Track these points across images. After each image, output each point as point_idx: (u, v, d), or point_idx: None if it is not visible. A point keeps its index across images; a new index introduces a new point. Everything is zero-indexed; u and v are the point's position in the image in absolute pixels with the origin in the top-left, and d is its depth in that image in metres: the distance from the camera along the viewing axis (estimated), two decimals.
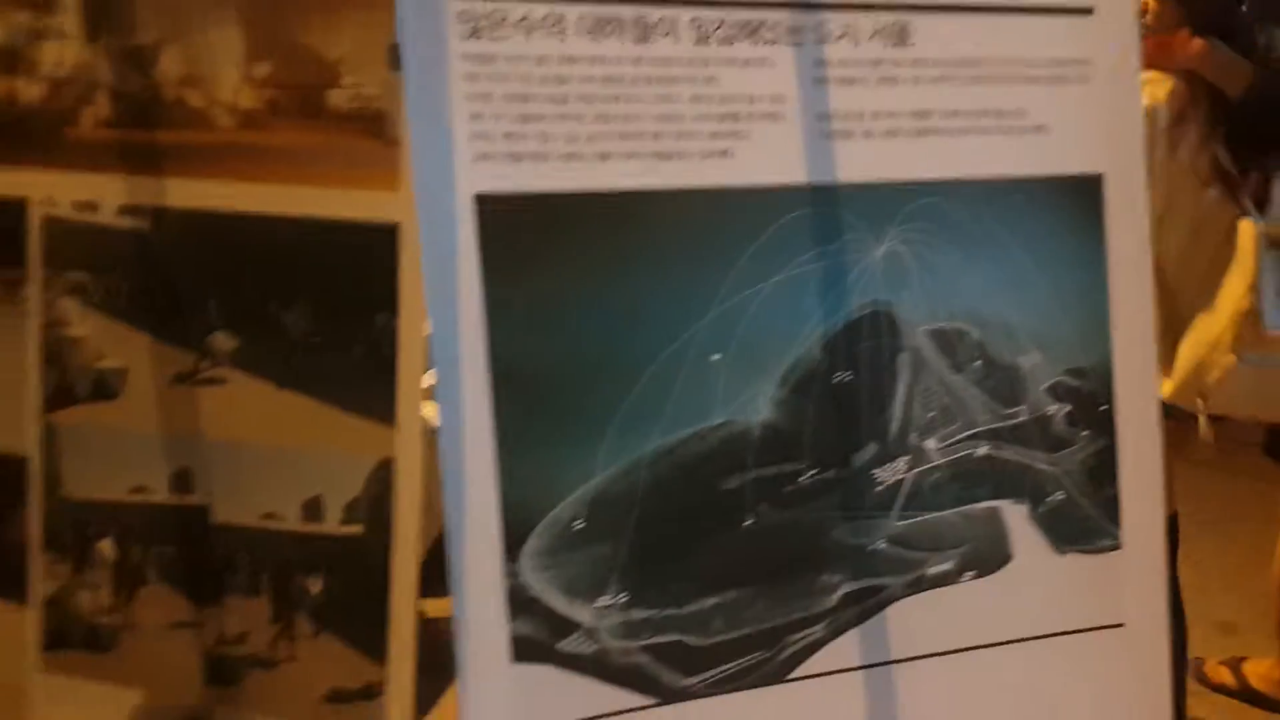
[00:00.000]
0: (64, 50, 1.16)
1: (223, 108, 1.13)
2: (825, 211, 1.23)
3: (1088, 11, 1.32)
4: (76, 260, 1.18)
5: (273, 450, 1.15)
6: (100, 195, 1.17)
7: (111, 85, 1.15)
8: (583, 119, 1.11)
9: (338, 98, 1.10)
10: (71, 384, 1.20)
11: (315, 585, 1.14)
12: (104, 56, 1.15)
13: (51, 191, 1.18)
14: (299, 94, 1.11)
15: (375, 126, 1.09)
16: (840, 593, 1.21)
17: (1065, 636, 1.27)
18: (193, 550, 1.17)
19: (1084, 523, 1.31)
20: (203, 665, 1.15)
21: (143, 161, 1.14)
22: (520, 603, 1.08)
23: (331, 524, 1.13)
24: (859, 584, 1.22)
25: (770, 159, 1.20)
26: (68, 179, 1.18)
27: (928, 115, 1.28)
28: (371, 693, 1.12)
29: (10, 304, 1.21)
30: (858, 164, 1.24)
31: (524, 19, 1.07)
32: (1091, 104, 1.30)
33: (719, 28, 1.18)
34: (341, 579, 1.13)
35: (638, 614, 1.13)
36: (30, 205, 1.19)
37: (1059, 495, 1.29)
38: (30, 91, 1.18)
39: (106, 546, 1.20)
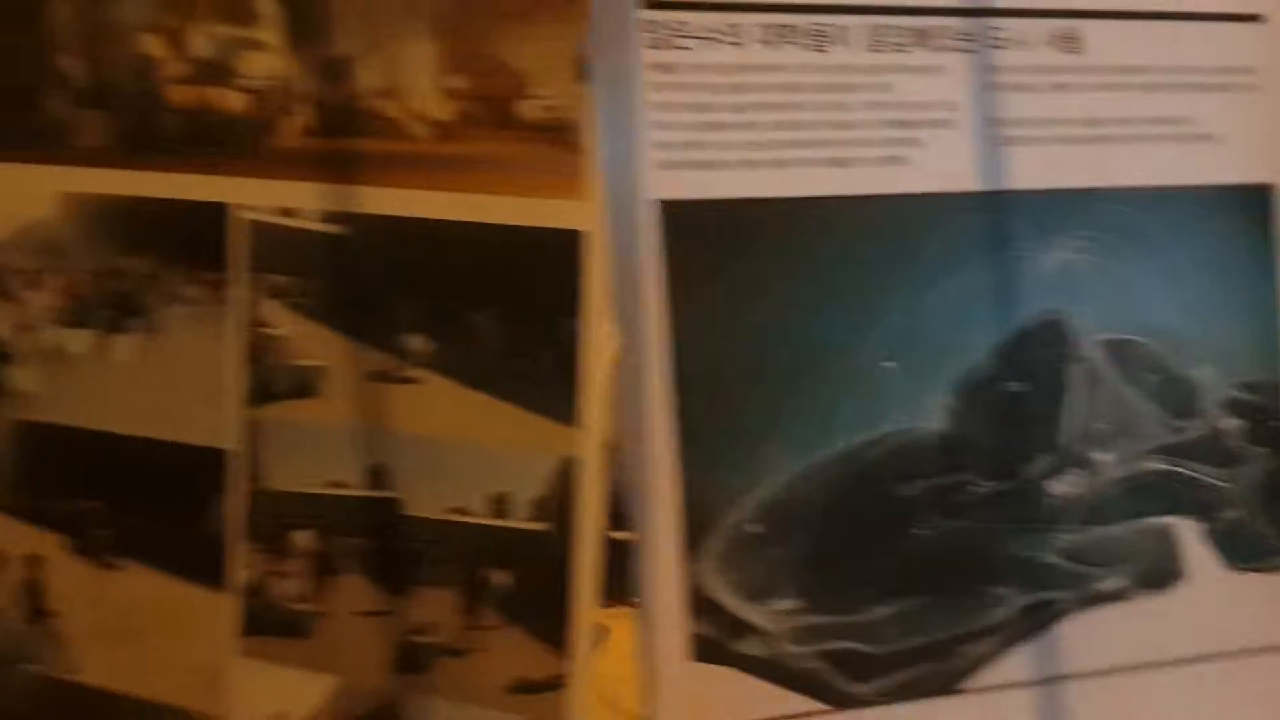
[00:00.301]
0: (265, 62, 1.22)
1: (417, 118, 1.17)
2: (997, 218, 1.23)
3: (1257, 19, 1.29)
4: (278, 264, 1.24)
5: (462, 447, 1.19)
6: (300, 201, 1.22)
7: (310, 96, 1.21)
8: (760, 127, 1.13)
9: (527, 108, 1.13)
10: (272, 381, 1.26)
11: (502, 578, 1.18)
12: (303, 68, 1.21)
13: (252, 197, 1.24)
14: (490, 105, 1.14)
15: (563, 136, 1.12)
16: (1012, 605, 1.21)
17: (1238, 657, 1.25)
18: (385, 542, 1.22)
19: (1259, 541, 1.28)
20: (393, 652, 1.21)
21: (340, 169, 1.19)
22: (700, 603, 1.10)
23: (518, 519, 1.17)
24: (1031, 597, 1.22)
25: (943, 166, 1.21)
26: (268, 185, 1.23)
27: (1099, 123, 1.27)
28: (556, 684, 1.15)
29: (214, 304, 1.27)
30: (1030, 171, 1.24)
31: (705, 29, 1.09)
32: (1261, 112, 1.28)
33: (892, 35, 1.18)
34: (528, 573, 1.17)
35: (813, 619, 1.14)
36: (230, 209, 1.26)
37: (1233, 512, 1.27)
38: (231, 101, 1.24)
39: (303, 537, 1.26)
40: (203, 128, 1.24)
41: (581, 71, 1.09)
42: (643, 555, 1.04)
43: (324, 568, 1.25)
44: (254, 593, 1.28)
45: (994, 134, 1.20)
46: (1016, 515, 1.20)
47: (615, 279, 1.04)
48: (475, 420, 1.18)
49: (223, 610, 1.30)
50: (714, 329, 1.06)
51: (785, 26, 1.14)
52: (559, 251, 1.12)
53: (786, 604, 1.09)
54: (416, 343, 1.19)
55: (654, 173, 1.04)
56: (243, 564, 1.28)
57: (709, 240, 1.06)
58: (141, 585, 1.34)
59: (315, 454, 1.25)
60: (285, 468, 1.26)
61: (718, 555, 1.07)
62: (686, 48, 1.06)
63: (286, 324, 1.24)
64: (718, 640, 1.09)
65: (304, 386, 1.25)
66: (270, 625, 1.28)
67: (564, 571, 1.15)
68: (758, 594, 1.07)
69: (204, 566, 1.30)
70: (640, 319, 1.04)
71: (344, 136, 1.19)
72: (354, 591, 1.23)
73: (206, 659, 1.31)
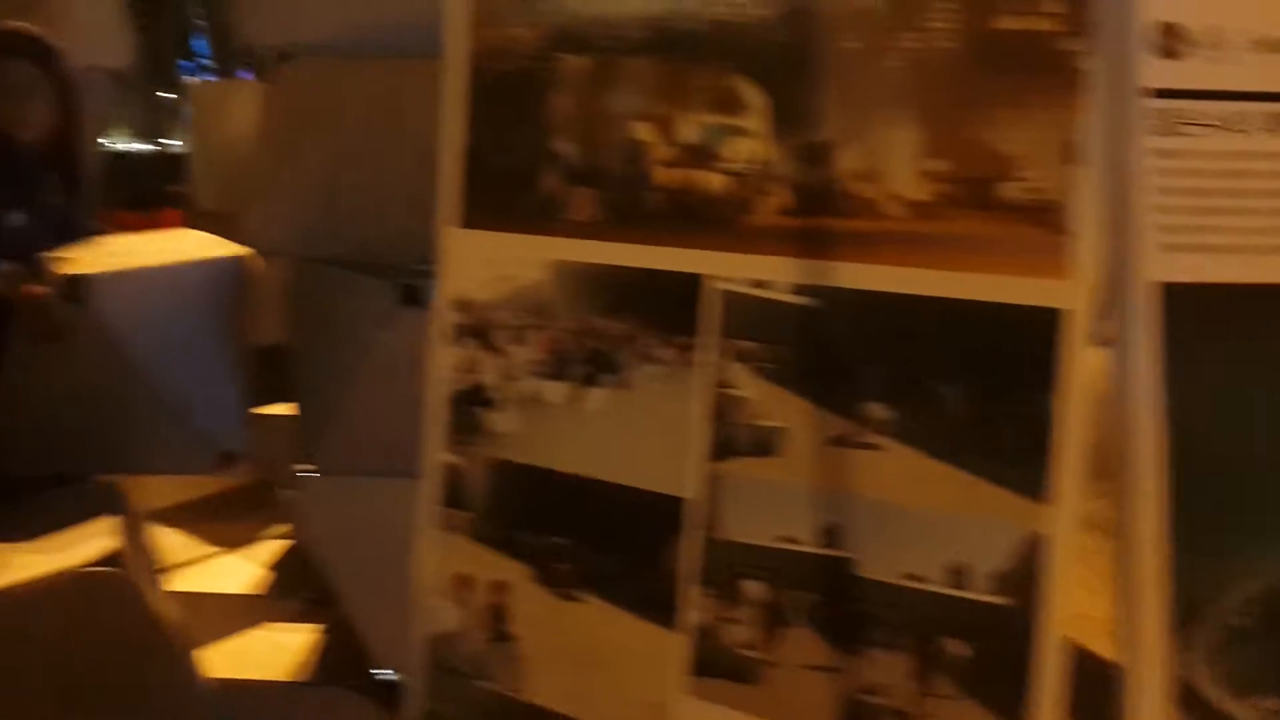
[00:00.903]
0: (748, 147, 1.32)
1: (894, 199, 1.23)
2: None
3: None
4: (747, 330, 1.33)
5: (920, 515, 1.23)
6: (772, 274, 1.31)
7: (789, 178, 1.30)
8: (1261, 214, 1.11)
9: (1010, 190, 1.16)
10: (734, 438, 1.35)
11: (958, 649, 1.20)
12: (785, 152, 1.30)
13: (727, 269, 1.34)
14: (971, 186, 1.19)
15: (1047, 217, 1.14)
16: None
17: None
18: (836, 599, 1.27)
19: None
20: (841, 709, 1.25)
21: (815, 246, 1.27)
22: (1187, 695, 1.08)
23: (977, 591, 1.19)
24: None
25: None
26: (743, 259, 1.33)
27: None
28: None
29: (683, 365, 1.38)
30: None
31: (1209, 116, 1.09)
32: None
33: None
34: (986, 646, 1.18)
35: None
36: (705, 280, 1.36)
37: None
38: (714, 182, 1.35)
39: (755, 586, 1.33)
40: (684, 205, 1.36)
41: (1071, 155, 1.12)
42: (1125, 641, 1.03)
43: (774, 618, 1.32)
44: (704, 635, 1.37)
45: None
46: None
47: (1111, 357, 1.04)
48: (937, 489, 1.21)
49: (673, 649, 1.39)
50: (1216, 414, 1.04)
51: None
52: (1036, 328, 1.14)
53: (1274, 703, 1.05)
54: (879, 411, 1.24)
55: (1154, 255, 1.04)
56: (695, 607, 1.37)
57: (1213, 324, 1.05)
58: (598, 618, 1.46)
59: (770, 509, 1.32)
60: (740, 520, 1.35)
61: (1207, 647, 1.05)
62: (1189, 134, 1.06)
63: (751, 386, 1.33)
64: None
65: (764, 445, 1.33)
66: (719, 668, 1.36)
67: (1026, 649, 1.15)
68: (1248, 689, 1.04)
69: (658, 606, 1.40)
70: (1134, 399, 1.04)
71: (820, 215, 1.27)
72: (803, 644, 1.29)
73: (654, 694, 1.40)
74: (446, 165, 1.55)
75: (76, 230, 2.59)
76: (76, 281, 2.33)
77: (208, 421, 2.51)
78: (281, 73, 2.71)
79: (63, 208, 2.58)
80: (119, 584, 2.05)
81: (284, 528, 3.58)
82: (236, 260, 2.60)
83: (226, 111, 3.91)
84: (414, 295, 2.57)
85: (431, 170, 2.69)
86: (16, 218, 2.49)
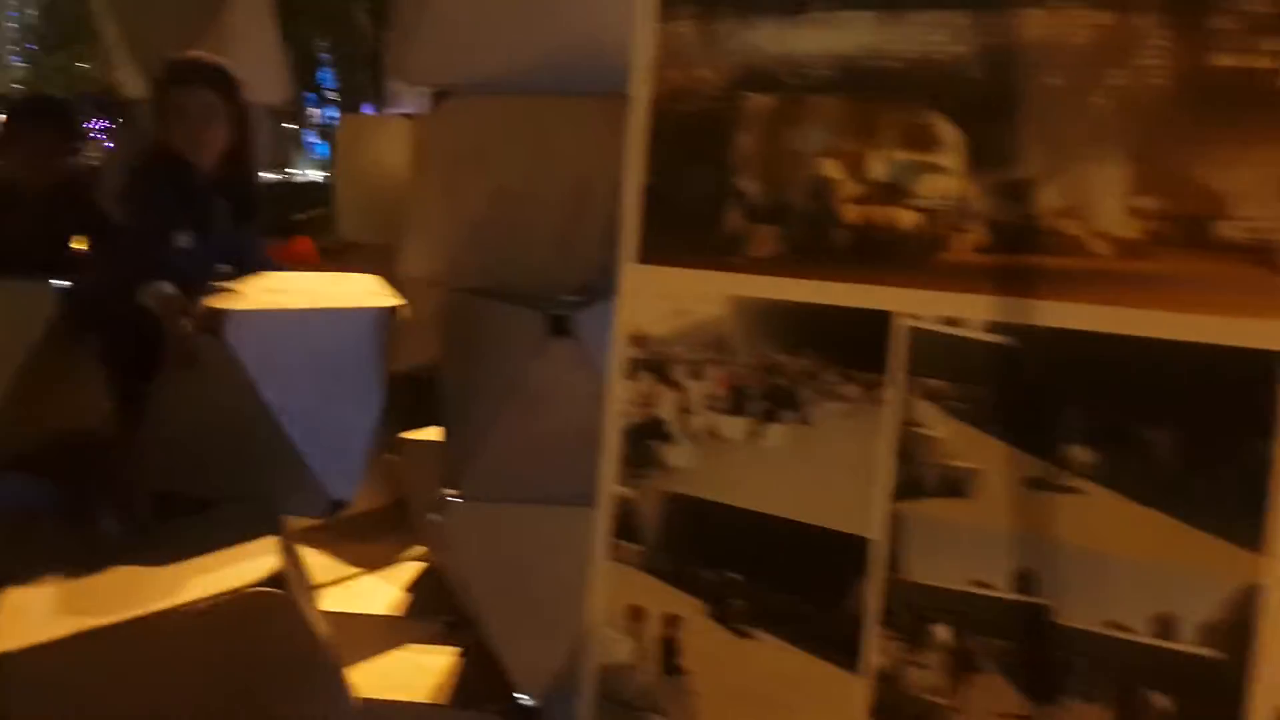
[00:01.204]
0: (942, 183, 1.31)
1: (1100, 236, 1.20)
2: None
3: None
4: (937, 369, 1.32)
5: (1124, 562, 1.19)
6: (966, 312, 1.29)
7: (986, 215, 1.28)
8: None
9: (1227, 228, 1.13)
10: (921, 478, 1.33)
11: (1161, 701, 1.16)
12: (982, 189, 1.28)
13: (917, 306, 1.33)
14: (1184, 224, 1.16)
15: (1266, 256, 1.10)
16: None
17: None
18: (1031, 647, 1.24)
19: None
20: None
21: (1012, 284, 1.25)
22: None
23: (1185, 642, 1.15)
24: None
25: None
26: (935, 296, 1.32)
27: None
28: None
29: (868, 402, 1.37)
30: None
31: None
32: None
33: None
34: (1193, 701, 1.14)
35: None
36: (894, 318, 1.35)
37: None
38: (905, 219, 1.34)
39: (943, 631, 1.31)
40: (873, 242, 1.35)
41: None
42: None
43: (963, 664, 1.29)
44: (888, 679, 1.34)
45: None
46: None
47: None
48: (1142, 536, 1.18)
49: (854, 692, 1.37)
50: None
51: None
52: (1254, 372, 1.11)
53: None
54: (1081, 454, 1.21)
55: None
56: (878, 650, 1.35)
57: None
58: (774, 657, 1.45)
59: (961, 552, 1.30)
60: (928, 562, 1.32)
61: None
62: None
63: (941, 426, 1.31)
64: None
65: (954, 486, 1.31)
66: (901, 713, 1.33)
67: (1236, 705, 1.11)
68: None
69: (838, 647, 1.39)
70: None
71: (1018, 253, 1.25)
72: (994, 692, 1.26)
73: None
74: (628, 202, 1.57)
75: (246, 258, 2.68)
76: (215, 314, 2.40)
77: (324, 468, 2.56)
78: (439, 110, 2.77)
79: (232, 235, 2.67)
80: (283, 605, 2.09)
81: (422, 550, 3.65)
82: (385, 312, 2.64)
83: (372, 145, 4.01)
84: (562, 326, 2.60)
85: (582, 205, 2.74)
86: (185, 240, 2.59)
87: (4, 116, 3.44)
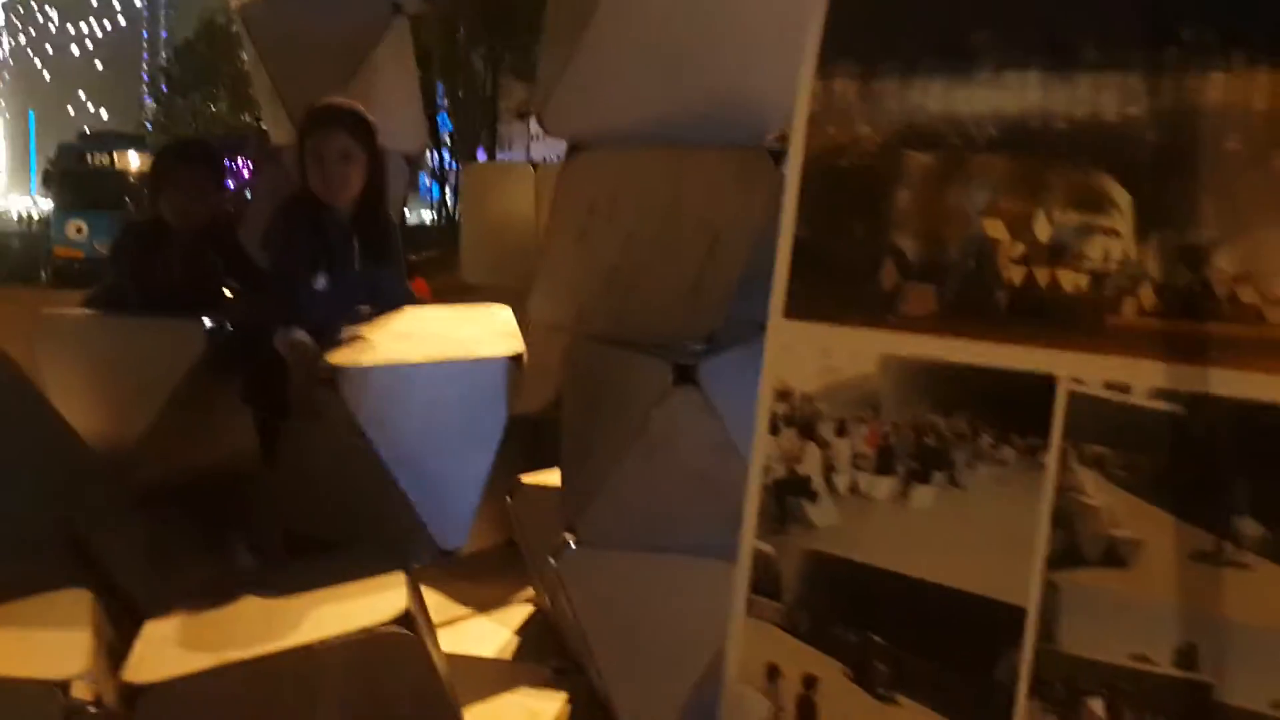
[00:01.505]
0: (1112, 245, 1.29)
1: (1277, 304, 1.17)
2: None
3: None
4: (1100, 434, 1.29)
5: None
6: (1133, 378, 1.27)
7: (1156, 278, 1.25)
8: None
9: None
10: (1080, 547, 1.30)
11: None
12: (1153, 253, 1.26)
13: (1081, 370, 1.31)
14: None
15: None
16: None
17: None
18: None
19: None
20: None
21: (1183, 350, 1.22)
22: None
23: None
24: None
25: None
26: (1101, 360, 1.29)
27: None
28: None
29: (1025, 467, 1.35)
30: None
31: None
32: None
33: None
34: None
35: None
36: (1058, 382, 1.33)
37: None
38: (1071, 280, 1.32)
39: (1097, 705, 1.27)
40: (1036, 303, 1.34)
41: None
42: None
43: None
44: None
45: None
46: None
47: None
48: None
49: None
50: None
51: None
52: None
53: None
54: (1252, 528, 1.17)
55: None
56: None
57: None
58: None
59: (1119, 624, 1.26)
60: (1084, 633, 1.29)
61: None
62: None
63: (1102, 494, 1.28)
64: None
65: (1114, 556, 1.27)
66: None
67: None
68: None
69: (986, 717, 1.35)
70: None
71: (1191, 319, 1.22)
72: None
73: None
74: (779, 256, 1.58)
75: (384, 298, 2.75)
76: (332, 370, 2.45)
77: (436, 517, 2.60)
78: (575, 160, 2.83)
79: (370, 275, 2.74)
80: (409, 645, 2.12)
81: (533, 593, 3.66)
82: (507, 362, 2.67)
83: (495, 191, 4.10)
84: (687, 375, 2.61)
85: (711, 255, 2.76)
86: (321, 281, 2.66)
87: (152, 158, 3.59)
